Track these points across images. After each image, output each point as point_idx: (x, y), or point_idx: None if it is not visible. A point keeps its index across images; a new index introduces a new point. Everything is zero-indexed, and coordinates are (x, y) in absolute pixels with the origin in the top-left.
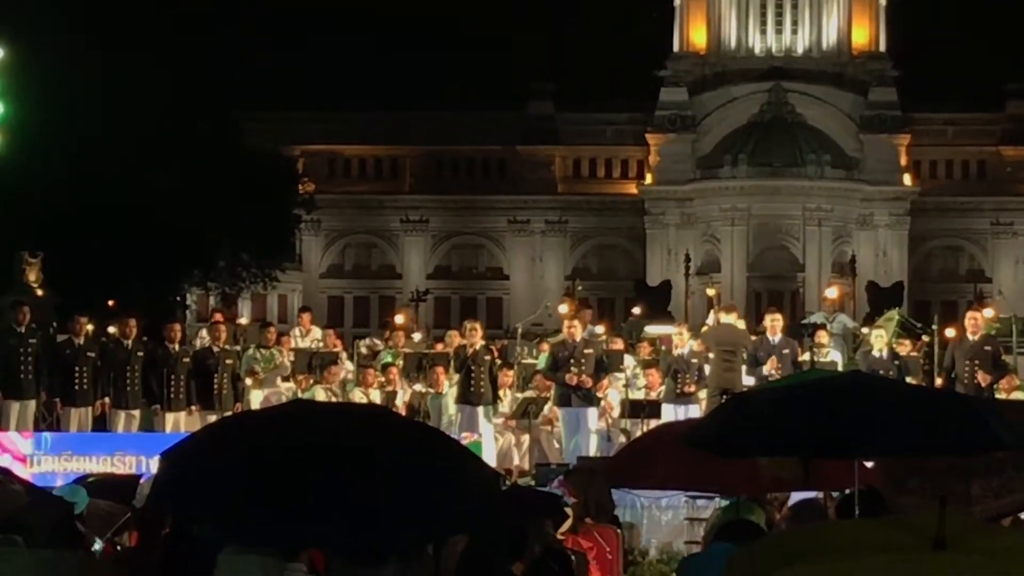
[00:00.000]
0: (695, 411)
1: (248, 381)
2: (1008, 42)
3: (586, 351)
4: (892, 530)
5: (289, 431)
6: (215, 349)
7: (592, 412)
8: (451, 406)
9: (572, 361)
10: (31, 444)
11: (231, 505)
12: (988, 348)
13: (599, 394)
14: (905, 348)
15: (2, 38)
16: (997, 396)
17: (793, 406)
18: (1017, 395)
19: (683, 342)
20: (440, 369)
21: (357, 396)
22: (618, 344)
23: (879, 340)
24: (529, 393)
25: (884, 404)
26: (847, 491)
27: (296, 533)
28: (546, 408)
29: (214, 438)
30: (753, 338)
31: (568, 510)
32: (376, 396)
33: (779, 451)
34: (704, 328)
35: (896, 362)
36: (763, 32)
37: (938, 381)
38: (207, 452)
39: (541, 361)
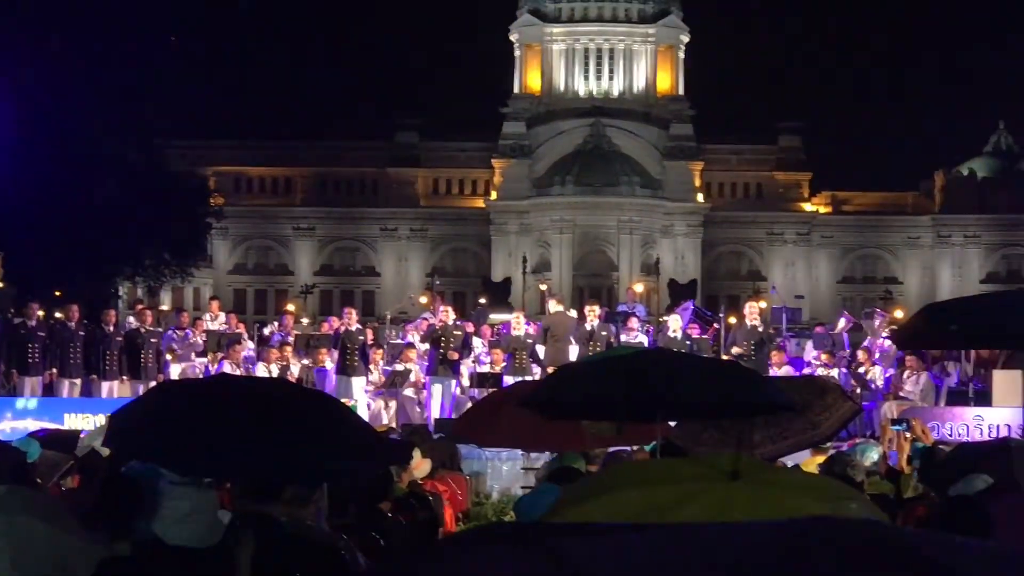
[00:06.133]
0: None
1: (168, 356)
2: (779, 89)
3: (455, 332)
4: (691, 466)
5: (212, 393)
6: (142, 330)
7: (454, 382)
8: (331, 377)
9: (443, 340)
10: None
11: (168, 444)
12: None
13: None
14: (697, 332)
15: None
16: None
17: (609, 376)
18: (787, 369)
19: (520, 326)
20: (323, 348)
21: (260, 370)
22: (468, 328)
23: (675, 324)
24: (396, 366)
25: (685, 374)
26: (653, 444)
27: (216, 464)
28: (410, 377)
29: (152, 400)
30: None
31: (427, 460)
32: (274, 370)
33: (598, 415)
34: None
35: (688, 342)
36: (586, 78)
37: (724, 358)
38: (147, 409)
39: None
